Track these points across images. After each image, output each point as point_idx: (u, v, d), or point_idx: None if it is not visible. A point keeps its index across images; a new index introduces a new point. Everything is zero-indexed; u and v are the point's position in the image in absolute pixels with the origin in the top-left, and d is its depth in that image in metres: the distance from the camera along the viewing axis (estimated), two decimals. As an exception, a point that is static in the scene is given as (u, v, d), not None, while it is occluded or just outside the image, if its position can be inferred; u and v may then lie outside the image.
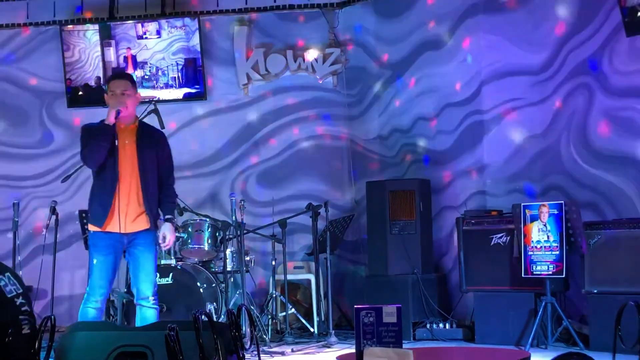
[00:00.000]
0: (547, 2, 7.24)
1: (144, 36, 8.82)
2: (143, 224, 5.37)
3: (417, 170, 8.05)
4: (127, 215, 5.34)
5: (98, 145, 5.31)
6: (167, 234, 5.44)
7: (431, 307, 7.23)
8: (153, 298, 5.39)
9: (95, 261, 5.34)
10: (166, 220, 5.47)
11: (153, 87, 8.83)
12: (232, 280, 7.59)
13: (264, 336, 6.98)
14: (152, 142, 5.50)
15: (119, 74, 6.19)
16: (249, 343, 6.14)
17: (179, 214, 7.56)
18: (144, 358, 3.83)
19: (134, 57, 8.82)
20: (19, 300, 3.78)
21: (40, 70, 9.08)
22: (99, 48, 8.85)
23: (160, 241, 5.46)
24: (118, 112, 5.29)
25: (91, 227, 5.41)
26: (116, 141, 5.36)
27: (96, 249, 5.35)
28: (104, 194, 5.36)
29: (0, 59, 9.11)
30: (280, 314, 7.63)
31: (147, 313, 5.37)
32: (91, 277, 5.35)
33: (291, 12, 8.82)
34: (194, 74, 8.79)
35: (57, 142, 9.02)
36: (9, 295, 3.78)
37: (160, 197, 5.47)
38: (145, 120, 6.60)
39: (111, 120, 5.29)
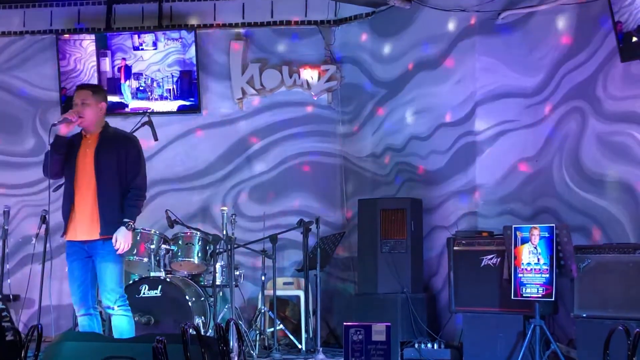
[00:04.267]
0: (542, 25, 7.28)
1: (140, 47, 8.83)
2: (95, 232, 5.40)
3: (409, 190, 8.06)
4: (83, 223, 5.44)
5: (48, 156, 5.49)
6: (119, 236, 5.37)
7: (420, 326, 7.22)
8: (117, 307, 5.41)
9: (66, 269, 5.55)
10: (122, 223, 5.42)
11: (147, 99, 8.83)
12: (221, 294, 7.57)
13: (252, 351, 6.96)
14: (113, 147, 5.50)
15: (81, 84, 6.29)
16: (236, 358, 6.11)
17: (170, 227, 7.54)
18: (130, 370, 3.82)
19: (127, 67, 8.82)
20: None
21: (35, 78, 9.07)
22: (94, 58, 8.85)
23: (113, 244, 5.39)
24: (65, 120, 5.40)
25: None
26: (78, 152, 5.50)
27: (66, 257, 5.55)
28: (64, 204, 5.52)
29: (-4, 67, 9.13)
30: (268, 330, 7.61)
31: (115, 321, 5.45)
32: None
33: (288, 27, 8.85)
34: (189, 86, 8.80)
35: (49, 151, 8.99)
36: None
37: (123, 201, 5.47)
38: (138, 131, 6.62)
39: (61, 131, 5.41)
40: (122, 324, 5.42)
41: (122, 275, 5.52)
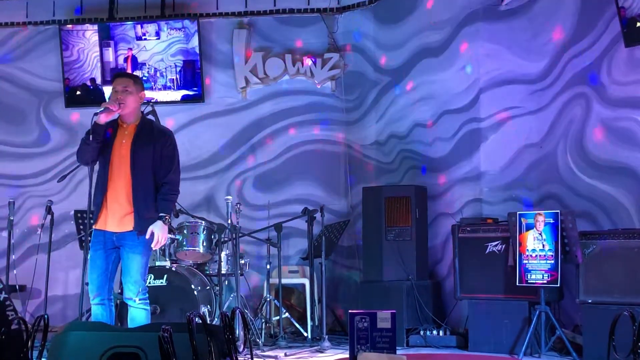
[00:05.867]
0: (546, 11, 7.25)
1: (143, 37, 8.82)
2: (129, 224, 5.34)
3: (414, 177, 8.06)
4: (115, 214, 5.36)
5: (84, 144, 5.38)
6: (155, 230, 5.30)
7: (425, 313, 7.22)
8: (138, 299, 5.37)
9: (88, 256, 5.43)
10: (158, 217, 5.36)
11: (151, 89, 8.82)
12: (226, 283, 7.59)
13: (258, 340, 6.97)
14: (150, 141, 5.42)
15: (120, 72, 6.12)
16: (242, 346, 6.12)
17: (175, 216, 7.55)
18: (137, 359, 3.82)
19: (134, 58, 8.82)
20: (2, 295, 3.76)
21: (38, 69, 9.08)
22: (97, 48, 8.85)
23: (147, 238, 5.33)
24: (106, 110, 5.28)
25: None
26: (114, 140, 5.41)
27: (90, 244, 5.44)
28: (97, 193, 5.42)
29: (-1, 58, 9.14)
30: (274, 318, 7.62)
31: (133, 313, 5.41)
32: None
33: (291, 16, 8.83)
34: (192, 76, 8.79)
35: (54, 141, 9.01)
36: None
37: (157, 195, 5.41)
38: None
39: (101, 119, 5.29)
40: (141, 317, 5.38)
41: (147, 269, 5.48)
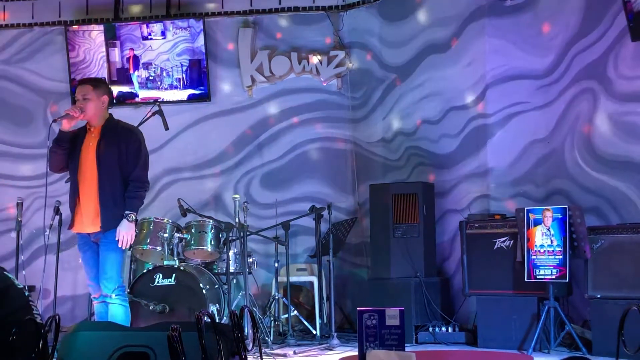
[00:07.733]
0: (552, 6, 7.24)
1: (149, 37, 8.82)
2: (97, 225, 5.49)
3: (421, 174, 8.05)
4: (88, 216, 5.53)
5: (50, 151, 5.63)
6: (121, 230, 5.46)
7: (434, 310, 7.22)
8: (114, 295, 5.48)
9: (80, 260, 5.67)
10: (123, 216, 5.49)
11: (157, 88, 8.83)
12: (234, 281, 7.59)
13: (266, 338, 6.97)
14: (115, 140, 5.56)
15: (82, 79, 6.37)
16: (251, 345, 6.13)
17: (182, 215, 7.56)
18: (146, 359, 3.83)
19: (135, 58, 8.82)
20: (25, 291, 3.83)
21: (45, 70, 9.08)
22: (103, 48, 8.86)
23: (117, 239, 5.46)
24: (67, 116, 5.50)
25: None
26: (82, 145, 5.59)
27: (78, 248, 5.66)
28: (71, 197, 5.62)
29: (5, 59, 9.13)
30: (282, 316, 7.63)
31: (111, 310, 5.50)
32: None
33: (296, 14, 8.83)
34: (198, 75, 8.79)
35: (61, 142, 9.01)
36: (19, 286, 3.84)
37: (125, 194, 5.54)
38: (149, 121, 6.64)
39: (64, 126, 5.52)
40: (119, 313, 5.48)
41: (122, 265, 5.62)
